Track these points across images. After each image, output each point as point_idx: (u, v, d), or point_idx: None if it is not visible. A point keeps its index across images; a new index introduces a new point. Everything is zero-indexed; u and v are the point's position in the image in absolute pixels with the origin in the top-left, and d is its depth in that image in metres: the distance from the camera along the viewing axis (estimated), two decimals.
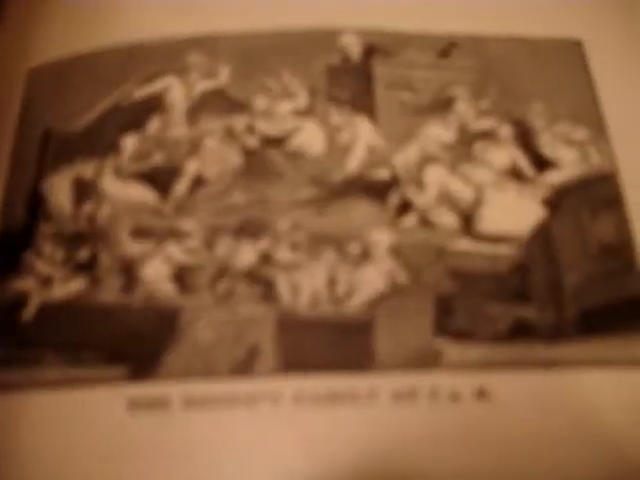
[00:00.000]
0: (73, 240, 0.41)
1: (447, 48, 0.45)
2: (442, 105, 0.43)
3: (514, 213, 0.41)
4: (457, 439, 0.36)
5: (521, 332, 0.38)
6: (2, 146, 0.44)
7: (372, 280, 0.38)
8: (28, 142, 0.44)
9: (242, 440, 0.36)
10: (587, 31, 0.45)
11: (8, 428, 0.37)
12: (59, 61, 0.45)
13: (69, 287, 0.39)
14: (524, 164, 0.42)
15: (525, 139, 0.43)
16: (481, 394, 0.36)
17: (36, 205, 0.42)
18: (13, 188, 0.42)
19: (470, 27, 0.45)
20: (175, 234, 0.40)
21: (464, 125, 0.43)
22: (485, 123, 0.43)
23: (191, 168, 0.41)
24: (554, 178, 0.42)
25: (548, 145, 0.43)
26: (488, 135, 0.43)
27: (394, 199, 0.41)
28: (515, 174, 0.42)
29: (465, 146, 0.43)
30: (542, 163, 0.42)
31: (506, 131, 0.43)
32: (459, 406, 0.36)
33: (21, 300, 0.39)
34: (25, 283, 0.40)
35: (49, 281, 0.40)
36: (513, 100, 0.44)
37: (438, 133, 0.42)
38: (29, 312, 0.39)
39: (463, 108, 0.43)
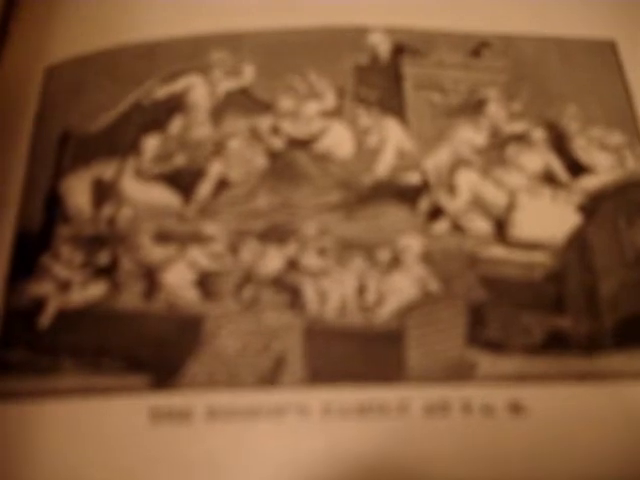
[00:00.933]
0: (92, 243, 0.39)
1: (477, 48, 0.43)
2: (473, 107, 0.42)
3: (548, 219, 0.40)
4: (490, 454, 0.35)
5: (556, 343, 0.36)
6: (19, 146, 0.42)
7: (402, 288, 0.37)
8: (46, 142, 0.42)
9: (267, 454, 0.35)
10: (621, 32, 0.44)
11: (23, 438, 0.36)
12: (78, 58, 0.44)
13: (88, 292, 0.38)
14: (558, 169, 0.41)
15: (559, 143, 0.42)
16: (515, 407, 0.35)
17: (54, 206, 0.40)
18: (30, 189, 0.41)
19: (501, 27, 0.44)
20: (198, 238, 0.39)
21: (496, 128, 0.42)
22: (517, 126, 0.42)
23: (215, 170, 0.40)
24: (589, 183, 0.41)
25: (582, 149, 0.41)
26: (520, 138, 0.42)
27: (425, 204, 0.40)
28: (549, 179, 0.41)
29: (497, 149, 0.41)
30: (576, 168, 0.41)
31: (539, 134, 0.42)
32: (492, 420, 0.35)
33: (38, 305, 0.38)
34: (42, 287, 0.39)
35: (67, 285, 0.38)
36: (546, 102, 0.42)
37: (469, 136, 0.41)
38: (47, 317, 0.38)
39: (494, 110, 0.42)
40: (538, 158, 0.41)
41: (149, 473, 0.35)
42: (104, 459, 0.35)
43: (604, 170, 0.41)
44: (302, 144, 0.41)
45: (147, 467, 0.35)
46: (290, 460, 0.35)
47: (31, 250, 0.40)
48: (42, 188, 0.41)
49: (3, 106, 0.44)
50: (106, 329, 0.37)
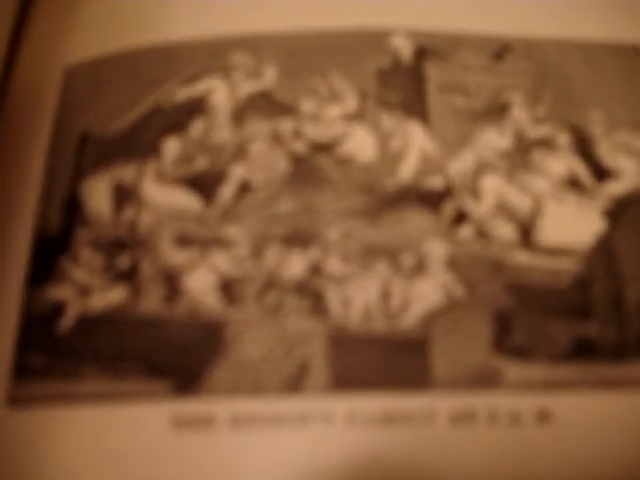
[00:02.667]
0: (112, 247, 0.39)
1: (500, 51, 0.43)
2: (497, 111, 0.41)
3: (574, 225, 0.39)
4: (517, 463, 0.34)
5: (583, 350, 0.36)
6: (37, 148, 0.42)
7: (427, 294, 0.37)
8: (64, 144, 0.42)
9: (291, 461, 0.34)
10: None
11: (42, 443, 0.35)
12: (96, 60, 0.43)
13: (109, 297, 0.38)
14: (583, 174, 0.41)
15: (583, 148, 0.41)
16: (542, 416, 0.35)
17: (73, 210, 0.40)
18: (48, 192, 0.40)
19: (524, 30, 0.43)
20: (220, 243, 0.38)
21: (520, 132, 0.41)
22: (542, 130, 0.41)
23: (236, 173, 0.40)
24: (614, 189, 0.40)
25: (607, 154, 0.41)
26: (545, 143, 0.41)
27: (449, 209, 0.39)
28: (574, 184, 0.40)
29: (521, 154, 0.41)
30: (601, 173, 0.41)
31: (564, 139, 0.41)
32: (519, 428, 0.34)
33: (58, 309, 0.38)
34: (62, 291, 0.38)
35: (87, 290, 0.38)
36: (570, 107, 0.42)
37: (494, 140, 0.40)
38: (66, 322, 0.37)
39: (519, 114, 0.41)
40: (563, 163, 0.40)
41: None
42: (124, 466, 0.35)
43: (629, 175, 0.40)
44: (324, 148, 0.41)
45: (168, 474, 0.34)
46: (314, 468, 0.34)
47: (50, 254, 0.39)
48: (61, 191, 0.40)
49: (21, 107, 0.44)
50: (127, 334, 0.37)
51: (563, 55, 0.43)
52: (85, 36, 0.45)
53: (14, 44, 0.47)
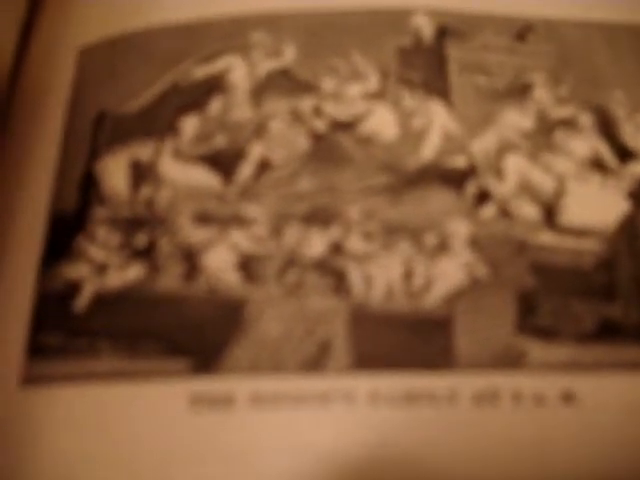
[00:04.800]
0: (130, 225, 0.38)
1: (522, 32, 0.42)
2: (519, 91, 0.41)
3: (597, 206, 0.38)
4: (541, 444, 0.34)
5: (607, 331, 0.35)
6: (52, 128, 0.41)
7: (450, 273, 0.36)
8: (80, 124, 0.41)
9: (312, 441, 0.33)
10: None
11: (59, 421, 0.35)
12: (112, 39, 0.43)
13: (126, 275, 0.37)
14: (606, 154, 0.40)
15: (606, 128, 0.41)
16: (567, 397, 0.34)
17: (89, 188, 0.40)
18: (65, 170, 0.40)
19: (546, 11, 0.43)
20: (240, 221, 0.38)
21: (543, 112, 0.41)
22: (564, 111, 0.41)
23: (256, 151, 0.39)
24: (638, 170, 0.40)
25: (631, 135, 0.40)
26: (568, 123, 0.41)
27: (472, 188, 0.39)
28: (597, 165, 0.40)
29: (544, 134, 0.40)
30: (624, 154, 0.40)
31: (586, 119, 0.41)
32: (543, 409, 0.34)
33: (74, 288, 0.37)
34: (78, 270, 0.38)
35: (104, 268, 0.37)
36: (592, 88, 0.41)
37: (516, 120, 0.40)
38: (83, 301, 0.37)
39: (541, 94, 0.41)
40: (586, 143, 0.40)
41: (189, 460, 0.34)
42: (142, 445, 0.34)
43: None
44: (345, 126, 0.40)
45: (187, 454, 0.34)
46: (335, 448, 0.33)
47: (66, 232, 0.39)
48: (77, 169, 0.40)
49: (36, 88, 0.43)
50: (144, 312, 0.36)
51: (585, 36, 0.43)
52: (99, 16, 0.45)
53: (28, 26, 0.46)
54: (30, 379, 0.36)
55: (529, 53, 0.42)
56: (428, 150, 0.39)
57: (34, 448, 0.35)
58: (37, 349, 0.36)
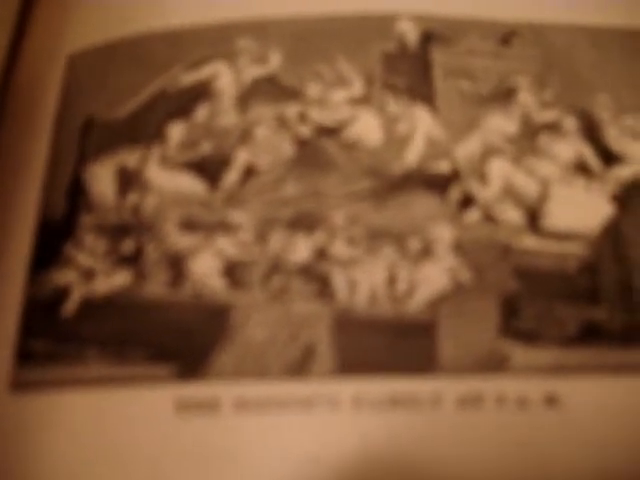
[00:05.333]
0: (117, 232, 0.39)
1: (507, 36, 0.43)
2: (503, 95, 0.41)
3: (581, 209, 0.39)
4: (525, 447, 0.34)
5: (591, 335, 0.35)
6: (41, 134, 0.42)
7: (434, 278, 0.36)
8: (68, 130, 0.42)
9: (297, 446, 0.34)
10: None
11: (46, 428, 0.35)
12: (101, 46, 0.43)
13: (113, 281, 0.37)
14: (591, 158, 0.40)
15: (590, 132, 0.41)
16: (550, 400, 0.34)
17: (77, 195, 0.40)
18: (53, 177, 0.40)
19: (530, 15, 0.43)
20: (225, 227, 0.38)
21: (527, 116, 0.41)
22: (549, 115, 0.41)
23: (241, 158, 0.39)
24: (622, 173, 0.40)
25: (615, 139, 0.41)
26: (552, 127, 0.41)
27: (455, 193, 0.39)
28: (581, 168, 0.40)
29: (528, 138, 0.40)
30: (609, 157, 0.40)
31: (571, 123, 0.41)
32: (527, 412, 0.34)
33: (61, 294, 0.37)
34: (65, 276, 0.38)
35: (91, 274, 0.38)
36: (577, 91, 0.42)
37: (500, 124, 0.40)
38: (70, 306, 0.37)
39: (525, 99, 0.41)
40: (570, 147, 0.40)
41: (175, 464, 0.34)
42: (128, 450, 0.34)
43: (637, 159, 0.40)
44: (330, 132, 0.40)
45: (173, 458, 0.34)
46: (319, 452, 0.34)
47: (54, 239, 0.39)
48: (65, 176, 0.40)
49: (25, 95, 0.43)
50: (131, 318, 0.36)
51: (570, 40, 0.43)
52: (89, 23, 0.45)
53: (18, 32, 0.47)
54: (19, 385, 0.36)
55: (514, 57, 0.42)
56: (412, 155, 0.40)
57: (23, 453, 0.35)
58: (26, 355, 0.36)
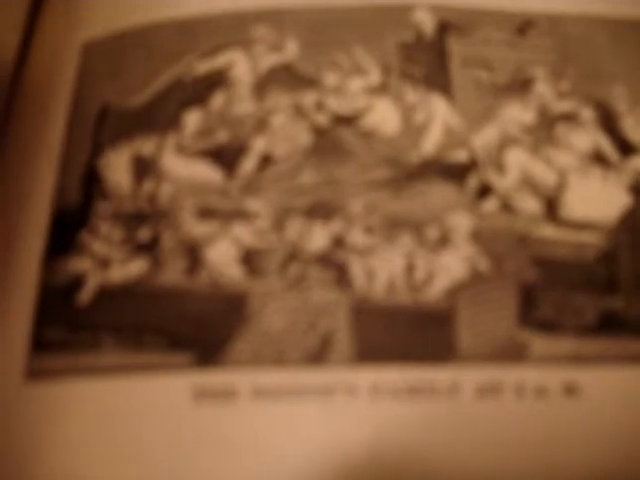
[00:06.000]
0: (132, 220, 0.38)
1: (523, 27, 0.43)
2: (520, 85, 0.41)
3: (599, 199, 0.38)
4: (544, 436, 0.33)
5: (609, 324, 0.35)
6: (55, 123, 0.42)
7: (452, 267, 0.36)
8: (83, 119, 0.41)
9: (314, 434, 0.33)
10: None
11: (61, 416, 0.35)
12: (116, 35, 0.43)
13: (128, 269, 0.37)
14: (608, 148, 0.40)
15: (607, 123, 0.41)
16: (569, 389, 0.34)
17: (92, 183, 0.40)
18: (67, 165, 0.40)
19: (546, 5, 0.43)
20: (242, 215, 0.38)
21: (544, 107, 0.41)
22: (566, 105, 0.41)
23: (258, 146, 0.39)
24: (639, 163, 0.40)
25: (632, 129, 0.40)
26: (569, 118, 0.41)
27: (473, 182, 0.39)
28: (598, 159, 0.40)
29: (546, 128, 0.40)
30: (626, 148, 0.40)
31: (588, 114, 0.41)
32: (546, 402, 0.34)
33: (76, 282, 0.37)
34: (81, 264, 0.38)
35: (107, 262, 0.38)
36: (594, 82, 0.41)
37: (517, 114, 0.40)
38: (86, 295, 0.37)
39: (542, 89, 0.41)
40: (587, 138, 0.40)
41: (191, 453, 0.34)
42: (145, 438, 0.34)
43: None
44: (347, 121, 0.40)
45: (189, 447, 0.34)
46: (337, 440, 0.33)
47: (69, 227, 0.39)
48: (80, 164, 0.40)
49: (39, 83, 0.43)
50: (147, 306, 0.36)
51: (586, 31, 0.43)
52: (103, 12, 0.45)
53: (32, 22, 0.47)
54: (34, 373, 0.36)
55: (530, 48, 0.42)
56: (430, 144, 0.39)
57: (38, 442, 0.35)
58: (41, 343, 0.36)
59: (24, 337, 0.37)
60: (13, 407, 0.35)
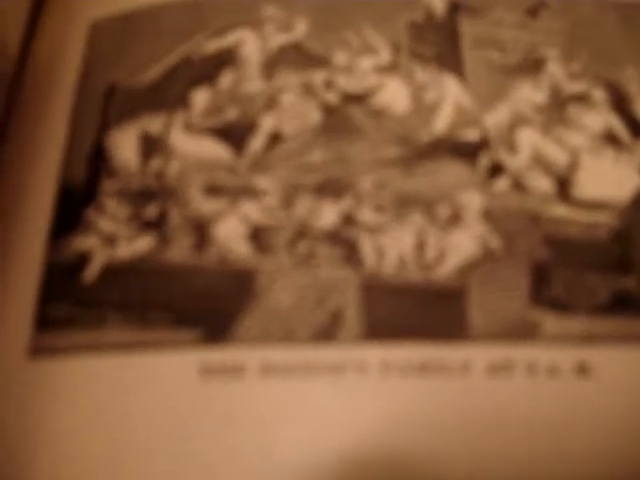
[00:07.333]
0: (140, 197, 0.38)
1: (535, 8, 0.42)
2: (532, 65, 0.41)
3: (611, 179, 0.38)
4: (556, 416, 0.33)
5: (622, 304, 0.35)
6: (62, 101, 0.41)
7: (463, 245, 0.36)
8: (90, 97, 0.41)
9: (323, 411, 0.33)
10: None
11: (65, 394, 0.34)
12: (123, 15, 0.43)
13: (135, 246, 0.37)
14: (620, 129, 0.40)
15: (619, 104, 0.40)
16: (582, 369, 0.34)
17: (98, 161, 0.39)
18: (74, 143, 0.40)
19: None
20: (250, 192, 0.37)
21: (556, 87, 0.40)
22: (577, 86, 0.41)
23: (267, 124, 0.39)
24: None
25: None
26: (581, 98, 0.40)
27: (484, 161, 0.38)
28: (610, 139, 0.40)
29: (557, 109, 0.40)
30: (637, 129, 0.40)
31: (599, 95, 0.40)
32: (558, 381, 0.34)
33: (83, 259, 0.37)
34: (87, 241, 0.37)
35: (113, 239, 0.37)
36: (605, 64, 0.41)
37: (529, 94, 0.40)
38: (92, 272, 0.37)
39: (554, 69, 0.41)
40: (599, 118, 0.40)
41: (199, 430, 0.33)
42: (151, 415, 0.33)
43: None
44: (357, 99, 0.40)
45: (197, 424, 0.33)
46: (346, 418, 0.33)
47: (75, 205, 0.38)
48: (86, 142, 0.40)
49: (46, 62, 0.43)
50: (154, 283, 0.36)
51: (598, 13, 0.43)
52: None
53: (39, 1, 0.46)
54: (37, 350, 0.35)
55: (541, 29, 0.42)
56: (441, 123, 0.39)
57: (42, 420, 0.34)
58: (45, 320, 0.36)
59: (29, 314, 0.36)
60: (17, 384, 0.35)
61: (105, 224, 0.38)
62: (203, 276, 0.36)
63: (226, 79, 0.40)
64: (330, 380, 0.33)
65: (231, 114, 0.40)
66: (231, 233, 0.37)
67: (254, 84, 0.40)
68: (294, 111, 0.39)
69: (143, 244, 0.37)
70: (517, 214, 0.37)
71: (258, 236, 0.37)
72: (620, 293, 0.36)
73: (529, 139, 0.39)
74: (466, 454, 0.33)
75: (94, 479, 0.33)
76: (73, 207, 0.38)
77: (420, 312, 0.35)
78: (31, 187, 0.39)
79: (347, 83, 0.40)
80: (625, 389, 0.34)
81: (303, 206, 0.37)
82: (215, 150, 0.39)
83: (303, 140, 0.39)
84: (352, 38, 0.41)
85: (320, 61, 0.40)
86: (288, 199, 0.37)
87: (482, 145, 0.39)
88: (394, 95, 0.39)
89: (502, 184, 0.38)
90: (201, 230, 0.37)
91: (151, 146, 0.39)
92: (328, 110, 0.40)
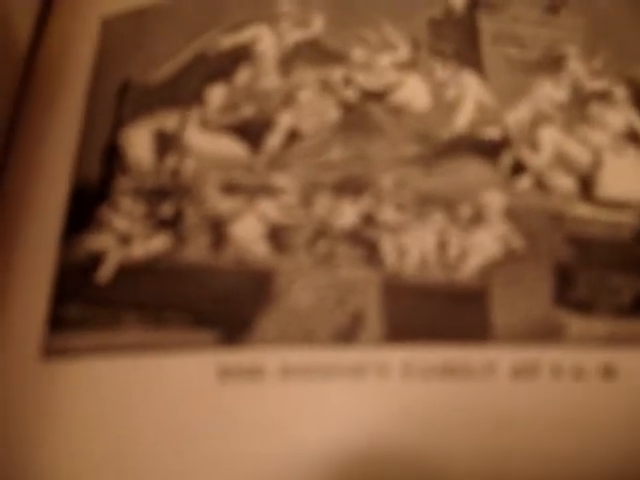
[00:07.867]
0: (155, 195, 0.37)
1: (554, 4, 0.42)
2: (552, 63, 0.40)
3: (635, 179, 0.38)
4: (581, 418, 0.32)
5: None
6: (75, 98, 0.41)
7: (485, 245, 0.35)
8: (103, 94, 0.40)
9: (343, 414, 0.32)
10: None
11: (79, 395, 0.33)
12: (137, 9, 0.42)
13: (151, 245, 0.36)
14: None
15: (639, 101, 0.40)
16: (607, 371, 0.33)
17: (113, 158, 0.39)
18: (88, 140, 0.39)
19: None
20: (268, 190, 0.37)
21: (577, 84, 0.40)
22: (598, 84, 0.40)
23: (284, 121, 0.38)
24: None
25: None
26: (602, 96, 0.40)
27: (506, 160, 0.38)
28: (632, 138, 0.39)
29: (579, 107, 0.40)
30: None
31: (621, 92, 0.40)
32: (583, 383, 0.33)
33: (97, 258, 0.36)
34: (101, 241, 0.37)
35: (128, 238, 0.36)
36: (626, 62, 0.40)
37: (550, 91, 0.39)
38: (106, 271, 0.36)
39: (575, 67, 0.40)
40: (621, 116, 0.39)
41: (216, 433, 0.33)
42: (168, 417, 0.33)
43: None
44: (376, 96, 0.39)
45: (215, 426, 0.33)
46: (367, 421, 0.32)
47: (89, 203, 0.38)
48: (100, 140, 0.39)
49: (59, 58, 0.42)
50: (170, 283, 0.35)
51: (618, 11, 0.42)
52: None
53: None
54: (51, 351, 0.35)
55: (561, 26, 0.41)
56: (461, 121, 0.38)
57: (56, 421, 0.34)
58: (59, 321, 0.35)
59: (42, 315, 0.35)
60: (30, 386, 0.34)
61: (120, 223, 0.37)
62: (220, 276, 0.35)
63: (242, 75, 0.40)
64: (350, 382, 0.33)
65: (247, 111, 0.39)
66: (249, 232, 0.36)
67: (271, 80, 0.39)
68: (312, 108, 0.39)
69: (158, 243, 0.36)
70: (539, 213, 0.36)
71: (276, 235, 0.36)
72: None
73: (551, 137, 0.38)
74: (491, 457, 0.32)
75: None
76: (87, 205, 0.38)
77: (442, 313, 0.34)
78: (44, 185, 0.39)
79: (366, 80, 0.39)
80: None
81: (322, 205, 0.36)
82: (231, 147, 0.38)
83: (322, 138, 0.38)
84: (370, 34, 0.41)
85: (337, 58, 0.40)
86: (307, 197, 0.36)
87: (503, 143, 0.38)
88: (414, 92, 0.39)
89: (524, 183, 0.37)
90: (218, 229, 0.36)
91: (166, 143, 0.38)
92: (347, 107, 0.39)
